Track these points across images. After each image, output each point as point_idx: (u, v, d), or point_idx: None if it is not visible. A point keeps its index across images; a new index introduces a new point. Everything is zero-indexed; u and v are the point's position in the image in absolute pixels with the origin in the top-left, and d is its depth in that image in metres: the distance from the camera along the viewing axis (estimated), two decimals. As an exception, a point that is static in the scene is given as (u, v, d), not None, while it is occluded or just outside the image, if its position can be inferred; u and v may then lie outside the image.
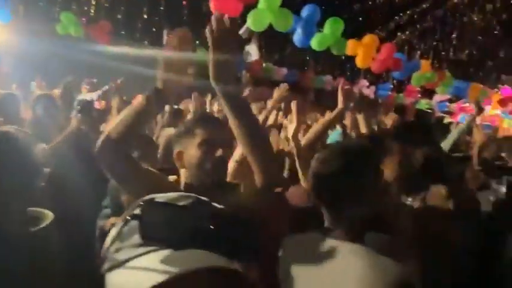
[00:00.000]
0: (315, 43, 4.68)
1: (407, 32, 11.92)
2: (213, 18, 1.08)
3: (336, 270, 1.02)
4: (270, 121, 2.83)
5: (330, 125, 2.16)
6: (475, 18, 12.16)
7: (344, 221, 1.12)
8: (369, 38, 5.27)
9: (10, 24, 5.33)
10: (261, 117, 2.38)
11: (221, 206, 0.58)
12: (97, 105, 4.41)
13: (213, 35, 1.07)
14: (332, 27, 4.63)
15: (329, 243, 1.09)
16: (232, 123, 1.14)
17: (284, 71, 8.72)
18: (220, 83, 1.09)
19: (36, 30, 6.14)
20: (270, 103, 2.68)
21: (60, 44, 6.26)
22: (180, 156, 1.32)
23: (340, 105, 2.16)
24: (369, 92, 9.00)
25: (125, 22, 9.24)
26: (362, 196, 1.11)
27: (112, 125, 1.20)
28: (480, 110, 3.70)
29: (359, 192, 1.11)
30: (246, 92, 3.52)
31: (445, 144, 3.10)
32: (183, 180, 1.34)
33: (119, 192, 1.91)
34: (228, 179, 1.45)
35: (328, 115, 2.11)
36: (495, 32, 12.42)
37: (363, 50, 5.19)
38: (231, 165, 1.56)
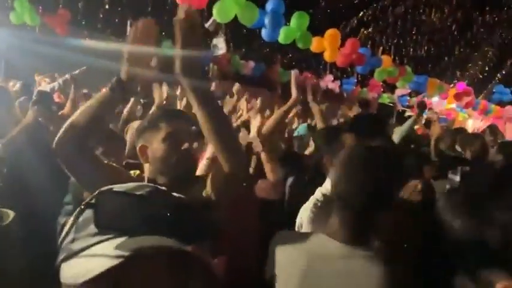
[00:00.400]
0: (281, 36, 4.73)
1: (370, 29, 12.30)
2: (179, 9, 1.06)
3: (350, 274, 1.02)
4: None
5: (286, 115, 2.25)
6: (433, 17, 12.73)
7: (364, 227, 1.09)
8: (332, 32, 5.40)
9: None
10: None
11: (179, 195, 0.58)
12: (57, 97, 4.22)
13: (179, 26, 1.06)
14: (298, 21, 4.70)
15: (338, 246, 1.07)
16: (199, 115, 1.13)
17: (251, 64, 8.72)
18: (186, 75, 1.08)
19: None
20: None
21: (15, 35, 5.91)
22: (144, 151, 1.29)
23: (293, 95, 2.27)
24: (334, 86, 9.22)
25: (85, 11, 8.85)
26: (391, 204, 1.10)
27: (73, 117, 1.16)
28: (423, 107, 4.14)
29: (391, 201, 1.10)
30: (214, 85, 3.52)
31: (395, 138, 3.27)
32: (146, 175, 1.32)
33: (80, 189, 1.85)
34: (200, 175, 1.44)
35: (285, 105, 2.22)
36: (452, 30, 13.08)
37: (328, 45, 5.30)
38: (204, 162, 1.56)
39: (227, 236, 1.29)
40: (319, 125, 2.41)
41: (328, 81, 9.34)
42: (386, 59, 6.40)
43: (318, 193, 1.55)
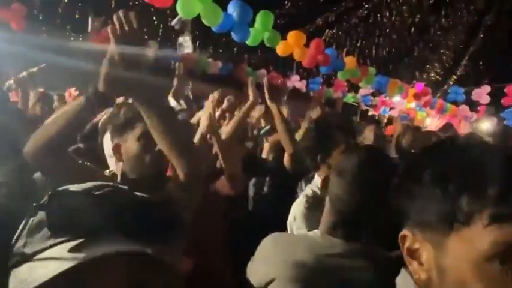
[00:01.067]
0: (249, 40, 4.71)
1: (334, 30, 12.61)
2: (115, 17, 0.97)
3: (353, 270, 1.05)
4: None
5: (245, 117, 2.18)
6: (394, 20, 13.25)
7: (361, 225, 1.12)
8: (295, 33, 5.49)
9: None
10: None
11: (142, 194, 0.56)
12: (13, 96, 4.01)
13: (116, 35, 0.97)
14: (263, 20, 4.71)
15: (339, 243, 1.10)
16: (148, 124, 1.09)
17: (219, 64, 8.68)
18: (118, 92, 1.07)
19: None
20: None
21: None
22: (118, 149, 1.29)
23: (251, 97, 2.19)
24: (301, 85, 9.37)
25: (43, 6, 8.43)
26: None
27: (45, 125, 1.09)
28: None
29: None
30: (188, 88, 3.43)
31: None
32: (119, 173, 1.31)
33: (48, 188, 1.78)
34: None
35: (243, 107, 2.17)
36: (411, 33, 13.68)
37: (294, 44, 5.38)
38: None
39: (193, 234, 1.30)
40: (279, 126, 2.36)
41: (295, 81, 9.47)
42: (350, 60, 6.59)
43: (308, 190, 1.66)
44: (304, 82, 9.62)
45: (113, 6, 8.78)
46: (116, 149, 1.30)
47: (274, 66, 10.71)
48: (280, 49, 5.35)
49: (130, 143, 1.27)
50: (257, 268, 1.18)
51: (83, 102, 1.06)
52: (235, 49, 10.60)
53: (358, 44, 12.98)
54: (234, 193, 1.88)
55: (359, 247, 1.10)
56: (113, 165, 1.45)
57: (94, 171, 1.29)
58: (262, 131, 3.37)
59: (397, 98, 8.67)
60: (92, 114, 1.14)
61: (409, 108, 9.18)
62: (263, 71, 9.42)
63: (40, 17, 8.32)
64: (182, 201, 1.19)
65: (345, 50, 8.20)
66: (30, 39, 5.88)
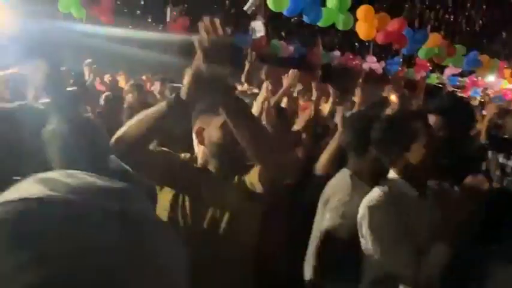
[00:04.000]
0: (321, 21, 4.52)
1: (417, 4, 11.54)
2: (201, 25, 0.96)
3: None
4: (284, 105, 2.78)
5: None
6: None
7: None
8: (364, 8, 5.11)
9: (10, 3, 5.25)
10: (271, 102, 2.32)
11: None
12: (98, 85, 4.37)
13: (202, 45, 0.96)
14: (338, 1, 4.45)
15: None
16: (231, 125, 1.12)
17: (291, 47, 8.56)
18: (212, 93, 1.05)
19: (37, 10, 6.05)
20: (280, 90, 2.65)
21: (62, 25, 6.19)
22: (200, 132, 1.32)
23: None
24: (378, 67, 8.83)
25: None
26: None
27: (128, 125, 1.14)
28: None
29: None
30: (263, 73, 3.40)
31: None
32: (200, 157, 1.35)
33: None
34: None
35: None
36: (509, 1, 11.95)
37: (362, 21, 5.03)
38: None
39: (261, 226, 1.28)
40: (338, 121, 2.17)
41: (371, 63, 8.95)
42: (434, 37, 5.97)
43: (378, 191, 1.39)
44: (382, 63, 9.05)
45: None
46: (199, 132, 1.33)
47: (349, 47, 10.23)
48: (362, 32, 5.02)
49: (213, 129, 1.29)
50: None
51: (163, 108, 1.08)
52: (307, 30, 10.34)
53: (445, 17, 11.75)
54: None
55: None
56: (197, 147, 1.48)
57: (173, 156, 1.35)
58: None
59: (491, 78, 7.71)
60: (173, 121, 1.13)
61: (505, 88, 8.12)
62: (337, 53, 9.06)
63: (124, 10, 8.97)
64: (259, 189, 1.22)
65: (429, 26, 7.48)
66: (117, 32, 6.37)
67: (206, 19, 0.97)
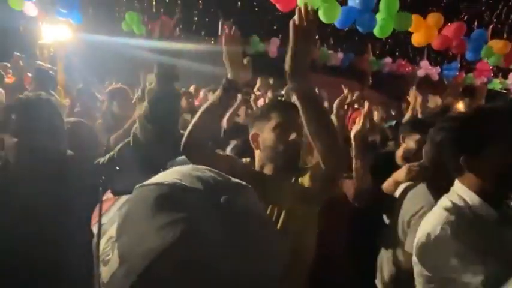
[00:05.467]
0: (377, 32, 4.34)
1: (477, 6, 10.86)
2: (297, 10, 1.09)
3: None
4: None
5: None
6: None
7: None
8: (433, 17, 4.86)
9: (81, 25, 5.78)
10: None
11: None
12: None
13: (297, 27, 1.09)
14: (387, 7, 4.29)
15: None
16: (303, 117, 1.18)
17: (340, 55, 8.46)
18: (296, 77, 1.12)
19: (104, 30, 6.60)
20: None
21: (125, 43, 6.68)
22: (256, 138, 1.41)
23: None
24: (433, 72, 8.44)
25: (182, 16, 9.54)
26: None
27: (194, 122, 1.32)
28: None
29: None
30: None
31: None
32: (257, 161, 1.43)
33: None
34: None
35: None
36: None
37: (425, 29, 4.82)
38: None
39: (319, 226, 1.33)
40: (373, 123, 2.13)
41: (426, 68, 8.58)
42: (500, 44, 5.50)
43: (447, 201, 1.14)
44: (438, 68, 8.63)
45: (239, 7, 9.39)
46: (254, 138, 1.41)
47: (401, 53, 9.89)
48: (416, 39, 4.79)
49: (267, 133, 1.37)
50: None
51: (220, 93, 1.31)
52: (356, 38, 10.16)
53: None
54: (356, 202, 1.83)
55: None
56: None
57: (234, 161, 1.45)
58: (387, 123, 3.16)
59: None
60: (229, 100, 1.39)
61: None
62: (388, 59, 8.80)
63: (180, 26, 9.45)
64: (313, 190, 1.27)
65: (491, 27, 7.02)
66: (171, 46, 6.72)
67: (301, 6, 1.10)
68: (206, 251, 0.40)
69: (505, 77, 8.44)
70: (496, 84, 8.58)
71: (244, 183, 0.51)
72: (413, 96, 3.21)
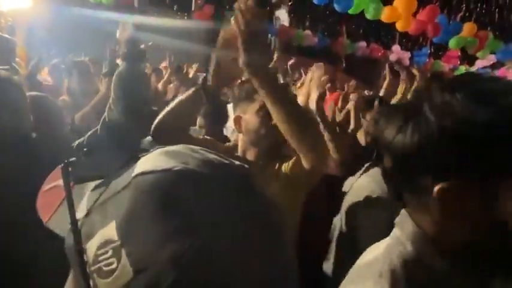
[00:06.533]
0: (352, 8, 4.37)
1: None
2: (236, 5, 1.00)
3: None
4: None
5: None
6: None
7: None
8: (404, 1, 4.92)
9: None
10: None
11: None
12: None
13: (242, 16, 0.99)
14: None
15: None
16: (272, 114, 1.11)
17: (314, 37, 8.44)
18: (252, 67, 1.05)
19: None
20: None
21: (90, 13, 6.33)
22: (238, 120, 1.34)
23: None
24: (404, 58, 8.61)
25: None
26: None
27: (165, 112, 1.25)
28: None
29: None
30: (275, 59, 3.41)
31: None
32: (240, 146, 1.37)
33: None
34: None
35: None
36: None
37: (402, 12, 4.85)
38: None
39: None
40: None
41: (398, 53, 8.73)
42: (469, 27, 5.69)
43: None
44: (408, 54, 8.81)
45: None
46: (237, 121, 1.35)
47: (374, 37, 10.00)
48: (386, 15, 4.85)
49: (250, 116, 1.31)
50: None
51: (194, 92, 1.21)
52: (331, 20, 10.14)
53: (478, 9, 11.25)
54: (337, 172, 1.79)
55: None
56: (235, 136, 1.53)
57: (216, 144, 1.38)
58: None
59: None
60: (202, 105, 1.29)
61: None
62: (363, 43, 8.88)
63: (151, -1, 9.05)
64: (297, 177, 1.22)
65: (460, 15, 7.21)
66: (143, 20, 6.44)
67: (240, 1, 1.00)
68: (238, 249, 0.36)
69: (471, 64, 8.77)
70: (462, 71, 8.92)
71: (246, 165, 0.44)
72: (387, 76, 3.22)
